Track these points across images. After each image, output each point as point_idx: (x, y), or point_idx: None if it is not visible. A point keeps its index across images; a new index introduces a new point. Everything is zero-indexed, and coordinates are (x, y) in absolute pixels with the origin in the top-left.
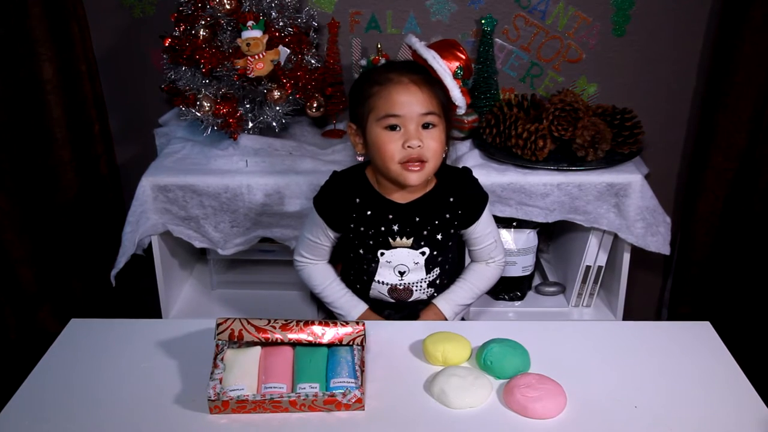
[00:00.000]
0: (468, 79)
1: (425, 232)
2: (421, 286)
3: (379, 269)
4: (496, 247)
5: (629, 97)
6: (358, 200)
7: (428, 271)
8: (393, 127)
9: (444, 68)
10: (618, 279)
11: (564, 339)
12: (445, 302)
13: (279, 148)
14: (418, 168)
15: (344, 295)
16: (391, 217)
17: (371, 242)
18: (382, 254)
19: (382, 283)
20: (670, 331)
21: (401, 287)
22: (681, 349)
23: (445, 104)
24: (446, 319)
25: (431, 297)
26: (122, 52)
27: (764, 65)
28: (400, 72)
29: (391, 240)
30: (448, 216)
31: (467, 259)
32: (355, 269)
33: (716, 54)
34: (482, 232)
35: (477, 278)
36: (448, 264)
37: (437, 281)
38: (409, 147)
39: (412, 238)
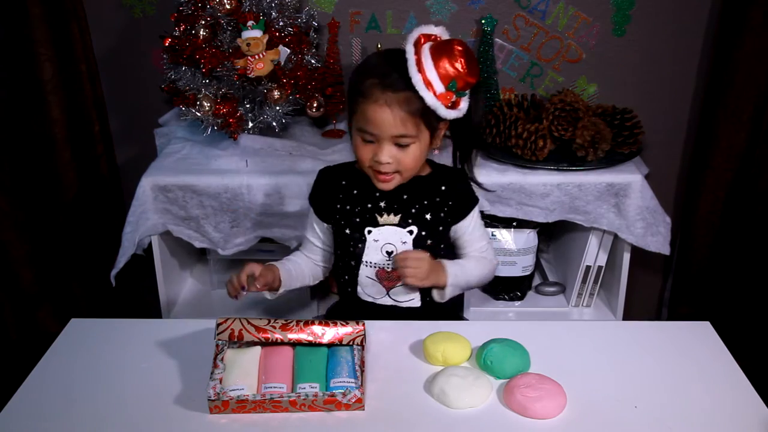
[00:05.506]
0: (464, 91)
1: (413, 210)
2: None
3: (366, 249)
4: (488, 249)
5: (629, 97)
6: (344, 182)
7: None
8: (368, 140)
9: (428, 88)
10: (618, 279)
11: (564, 339)
12: (454, 265)
13: (279, 148)
14: (387, 180)
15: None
16: (378, 194)
17: (358, 219)
18: (369, 232)
19: (370, 265)
20: (670, 331)
21: (389, 269)
22: (681, 349)
23: (431, 115)
24: (444, 284)
25: (424, 294)
26: (122, 52)
27: (764, 65)
28: (383, 88)
29: (378, 216)
30: (438, 200)
31: None
32: (343, 255)
33: (716, 54)
34: (471, 235)
35: (477, 261)
36: (439, 256)
37: None
38: (377, 162)
39: (399, 215)
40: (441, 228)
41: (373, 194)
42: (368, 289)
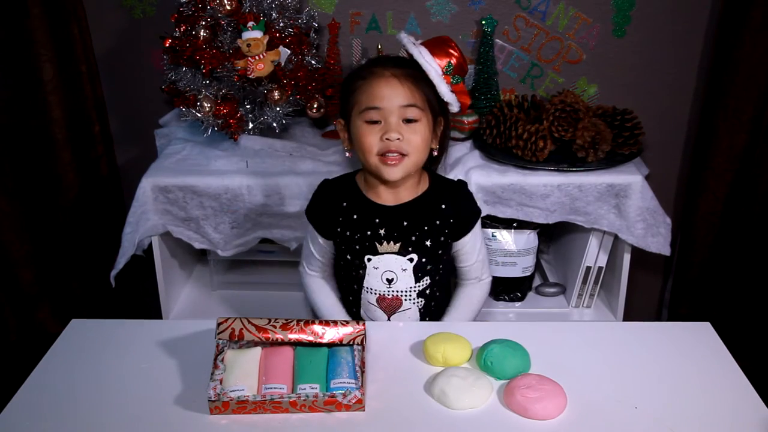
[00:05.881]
0: (460, 76)
1: (413, 238)
2: (410, 296)
3: (366, 276)
4: (483, 265)
5: (629, 98)
6: (345, 204)
7: (417, 279)
8: (375, 121)
9: (430, 64)
10: (618, 280)
11: (564, 340)
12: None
13: (279, 148)
14: (395, 162)
15: (335, 314)
16: (377, 221)
17: (358, 247)
18: (369, 260)
19: (371, 291)
20: (670, 332)
21: (390, 296)
22: (681, 350)
23: (433, 100)
24: None
25: (422, 309)
26: (123, 52)
27: (764, 65)
28: (383, 66)
29: (378, 245)
30: (438, 223)
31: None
32: (345, 277)
33: (716, 54)
34: (471, 247)
35: (468, 302)
36: (439, 275)
37: (427, 291)
38: (387, 139)
39: (399, 243)
40: (441, 251)
41: (373, 221)
42: (370, 313)
